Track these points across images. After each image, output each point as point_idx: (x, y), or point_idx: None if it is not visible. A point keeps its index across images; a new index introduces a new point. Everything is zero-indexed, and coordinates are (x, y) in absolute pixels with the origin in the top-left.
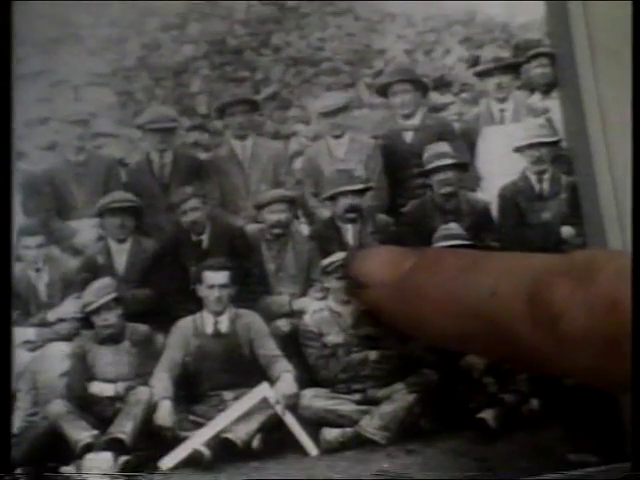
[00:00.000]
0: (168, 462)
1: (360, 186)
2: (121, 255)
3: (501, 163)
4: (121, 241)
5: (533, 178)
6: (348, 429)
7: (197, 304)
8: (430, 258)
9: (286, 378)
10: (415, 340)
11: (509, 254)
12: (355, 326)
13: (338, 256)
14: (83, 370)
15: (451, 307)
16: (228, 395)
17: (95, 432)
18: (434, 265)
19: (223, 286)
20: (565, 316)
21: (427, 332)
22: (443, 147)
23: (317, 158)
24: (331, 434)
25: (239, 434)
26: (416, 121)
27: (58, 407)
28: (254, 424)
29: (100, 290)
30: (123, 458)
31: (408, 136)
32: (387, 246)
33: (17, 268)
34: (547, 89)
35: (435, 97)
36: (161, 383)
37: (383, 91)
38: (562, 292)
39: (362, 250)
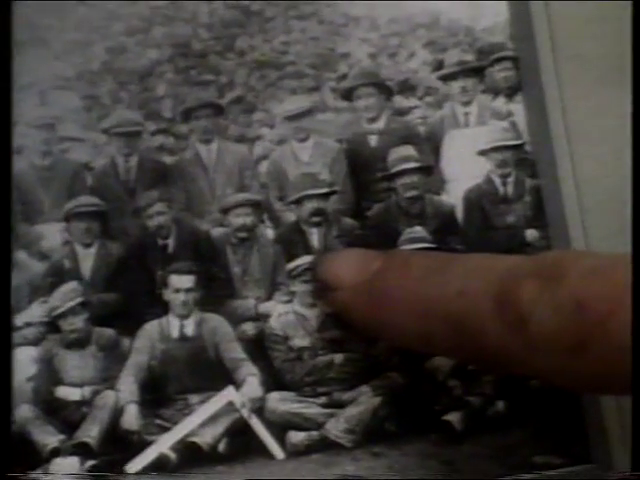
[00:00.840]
0: (134, 466)
1: (325, 190)
2: (87, 259)
3: (466, 166)
4: (87, 245)
5: (497, 181)
6: (314, 432)
7: (163, 308)
8: (397, 260)
9: (252, 382)
10: (383, 342)
11: (477, 255)
12: (321, 329)
13: (303, 260)
14: (50, 374)
15: (418, 308)
16: (194, 399)
17: (62, 437)
18: (401, 267)
19: (189, 290)
20: (533, 316)
21: (394, 334)
22: (408, 150)
23: (282, 162)
24: (297, 437)
25: (205, 438)
26: (381, 125)
27: (25, 412)
28: (220, 428)
29: (66, 294)
30: (90, 462)
31: (373, 140)
32: (354, 249)
33: None
34: (511, 92)
35: (399, 101)
36: (127, 387)
37: (347, 95)
38: (530, 292)
39: (329, 253)
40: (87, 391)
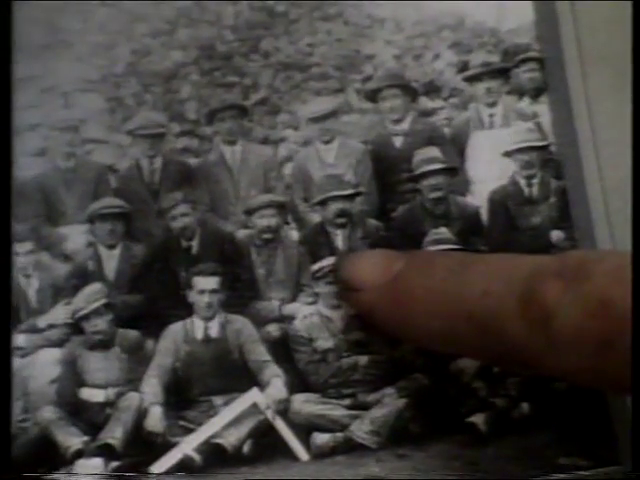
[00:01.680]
0: (159, 468)
1: (350, 191)
2: (111, 261)
3: (491, 167)
4: (111, 247)
5: (522, 182)
6: (338, 434)
7: (187, 309)
8: (420, 260)
9: (276, 383)
10: (406, 343)
11: (501, 255)
12: (345, 331)
13: (328, 261)
14: (73, 376)
15: (442, 308)
16: (218, 400)
17: (86, 438)
18: (424, 267)
19: (213, 291)
20: (557, 316)
21: (418, 334)
22: (433, 152)
23: (306, 163)
24: (322, 439)
25: (229, 439)
26: (405, 126)
27: (49, 413)
28: (244, 429)
29: (90, 296)
30: (114, 464)
31: (398, 141)
32: (377, 249)
33: None
34: (536, 94)
35: (424, 102)
36: (151, 389)
37: (372, 96)
38: (554, 291)
39: (352, 254)
40: (111, 393)
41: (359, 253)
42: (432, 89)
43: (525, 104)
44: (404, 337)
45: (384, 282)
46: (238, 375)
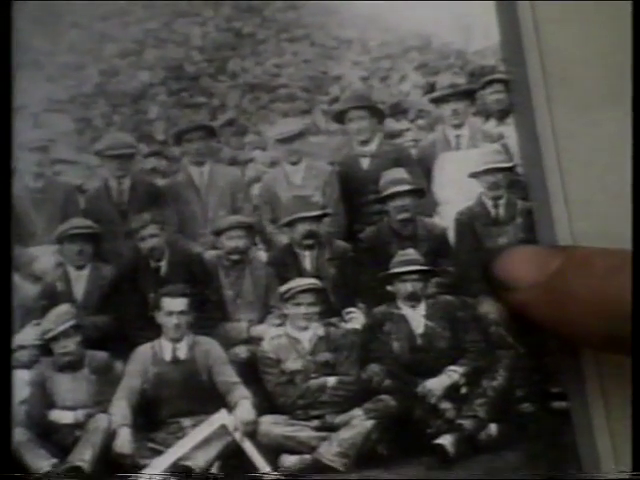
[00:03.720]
0: None
1: (317, 212)
2: (80, 282)
3: (457, 189)
4: (80, 267)
5: (489, 203)
6: (307, 455)
7: (156, 331)
8: (577, 258)
9: (244, 405)
10: (563, 341)
11: None
12: (313, 352)
13: (296, 282)
14: (43, 398)
15: (603, 309)
16: (187, 422)
17: (55, 460)
18: (583, 265)
19: (181, 313)
20: None
21: (577, 334)
22: (400, 173)
23: (274, 184)
24: (290, 460)
25: (198, 461)
26: (372, 147)
27: (18, 435)
28: (213, 451)
29: (59, 317)
30: None
31: (365, 162)
32: (532, 246)
33: None
34: (502, 115)
35: (391, 123)
36: (120, 410)
37: (339, 117)
38: None
39: (506, 250)
40: (80, 414)
41: (512, 249)
42: (399, 111)
43: (491, 125)
44: (560, 335)
45: (541, 281)
46: (207, 397)
